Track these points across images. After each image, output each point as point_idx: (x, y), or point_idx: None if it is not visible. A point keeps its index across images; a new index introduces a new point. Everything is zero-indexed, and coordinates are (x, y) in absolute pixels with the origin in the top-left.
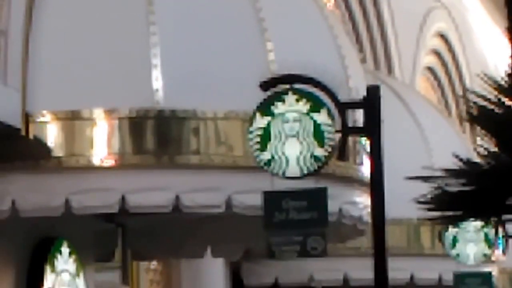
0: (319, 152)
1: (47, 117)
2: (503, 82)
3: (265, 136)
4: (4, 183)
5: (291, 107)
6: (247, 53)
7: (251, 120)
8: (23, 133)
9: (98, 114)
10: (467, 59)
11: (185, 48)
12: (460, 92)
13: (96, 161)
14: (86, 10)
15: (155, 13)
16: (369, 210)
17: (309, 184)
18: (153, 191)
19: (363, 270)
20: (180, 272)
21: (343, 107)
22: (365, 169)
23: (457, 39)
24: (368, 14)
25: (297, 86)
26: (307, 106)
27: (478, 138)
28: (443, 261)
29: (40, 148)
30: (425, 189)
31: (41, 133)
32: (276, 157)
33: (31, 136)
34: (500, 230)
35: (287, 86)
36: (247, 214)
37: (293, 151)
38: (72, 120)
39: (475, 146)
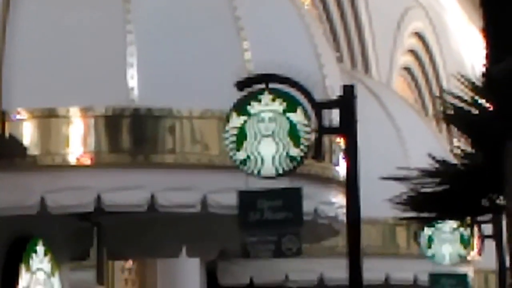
0: (295, 151)
1: (22, 114)
2: (478, 83)
3: (241, 136)
4: None
5: (267, 107)
6: (223, 52)
7: (226, 119)
8: None
9: (74, 112)
10: (444, 59)
11: (161, 46)
12: (437, 92)
13: (71, 159)
14: (62, 9)
15: (131, 12)
16: (344, 210)
17: (284, 183)
18: (128, 190)
19: (338, 270)
20: (155, 272)
21: (319, 107)
22: (341, 169)
23: (434, 39)
24: (345, 13)
25: (273, 85)
26: (283, 106)
27: (454, 138)
28: (419, 261)
29: (15, 146)
30: (400, 189)
31: (17, 131)
32: (251, 156)
33: (6, 134)
34: (476, 230)
35: (263, 85)
36: (222, 213)
37: (268, 151)
38: (48, 118)
39: (451, 146)
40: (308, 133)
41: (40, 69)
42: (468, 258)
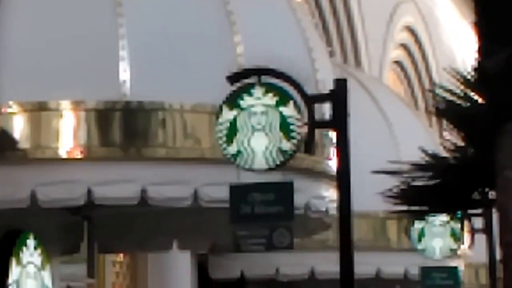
0: (286, 145)
1: (13, 108)
2: (469, 77)
3: (232, 129)
4: None
5: (258, 101)
6: (215, 46)
7: (218, 113)
8: None
9: (65, 105)
10: (435, 53)
11: (153, 40)
12: (427, 86)
13: (62, 153)
14: (53, 2)
15: (122, 5)
16: (335, 203)
17: (276, 177)
18: (119, 183)
19: (330, 264)
20: (146, 265)
21: (310, 101)
22: (332, 163)
23: (425, 33)
24: (337, 8)
25: (264, 79)
26: (275, 99)
27: (445, 132)
28: (410, 255)
29: (6, 140)
30: (392, 183)
31: (8, 124)
32: (243, 150)
33: None
34: (466, 224)
35: (255, 79)
36: (213, 207)
37: (260, 144)
38: (39, 111)
39: (442, 140)
40: (299, 126)
41: (31, 63)
42: (459, 252)
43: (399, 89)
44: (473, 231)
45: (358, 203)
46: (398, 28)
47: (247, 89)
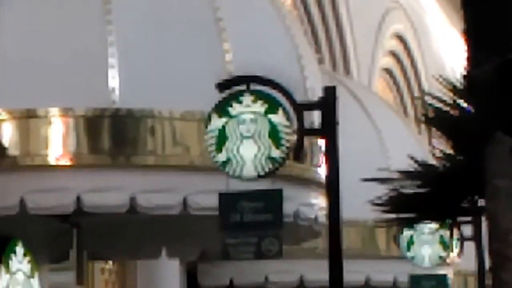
0: (275, 153)
1: (2, 115)
2: (459, 84)
3: (222, 137)
4: None
5: (247, 108)
6: (204, 54)
7: (207, 120)
8: None
9: (54, 113)
10: (424, 61)
11: (142, 47)
12: (417, 93)
13: (51, 160)
14: (42, 9)
15: (112, 12)
16: (325, 211)
17: (265, 185)
18: (108, 191)
19: (319, 271)
20: (135, 273)
21: (300, 108)
22: (321, 171)
23: (414, 41)
24: (326, 15)
25: (254, 87)
26: (264, 107)
27: (434, 140)
28: (399, 263)
29: None
30: (381, 191)
31: None
32: (232, 158)
33: None
34: (455, 232)
35: (244, 86)
36: (203, 215)
37: (249, 152)
38: (28, 118)
39: (431, 148)
40: (288, 134)
41: (20, 70)
42: (448, 260)
43: (388, 96)
44: (462, 239)
45: (347, 211)
46: (387, 35)
47: (236, 97)
